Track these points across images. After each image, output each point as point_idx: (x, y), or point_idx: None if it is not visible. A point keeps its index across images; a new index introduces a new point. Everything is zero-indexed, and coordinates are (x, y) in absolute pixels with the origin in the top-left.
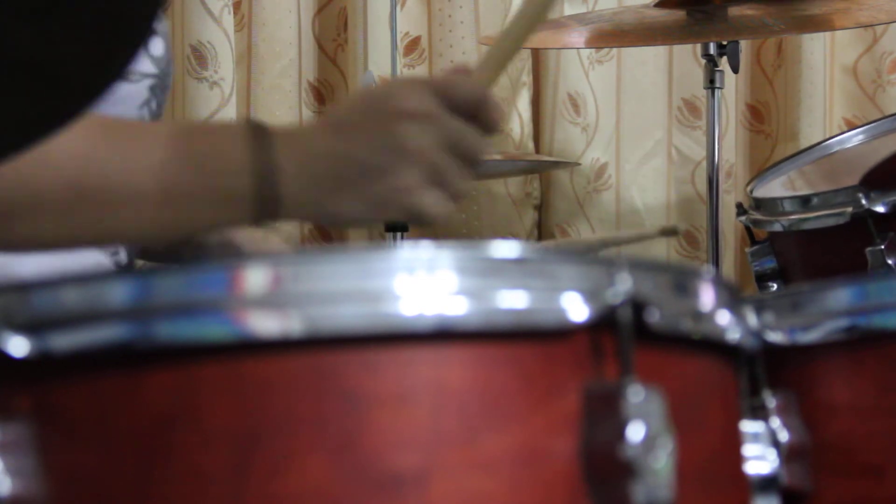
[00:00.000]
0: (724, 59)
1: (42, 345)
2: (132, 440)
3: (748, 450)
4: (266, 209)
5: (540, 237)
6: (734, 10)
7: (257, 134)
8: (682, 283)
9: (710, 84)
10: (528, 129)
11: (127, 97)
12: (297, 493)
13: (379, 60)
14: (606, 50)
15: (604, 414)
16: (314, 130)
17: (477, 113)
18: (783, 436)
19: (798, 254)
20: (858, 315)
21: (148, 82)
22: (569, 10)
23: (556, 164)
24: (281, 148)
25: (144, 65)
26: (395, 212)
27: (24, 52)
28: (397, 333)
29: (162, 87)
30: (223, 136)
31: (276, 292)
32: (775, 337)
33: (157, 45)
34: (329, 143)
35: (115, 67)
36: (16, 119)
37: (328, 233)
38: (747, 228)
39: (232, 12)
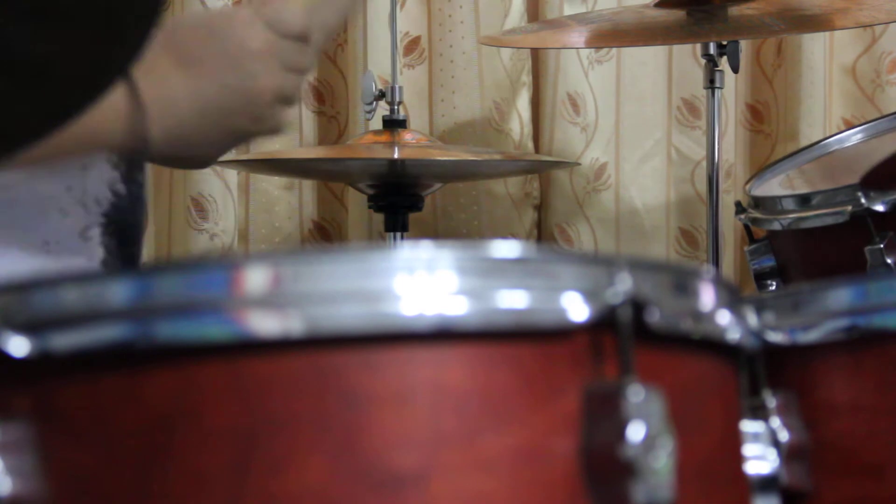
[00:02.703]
0: (724, 59)
1: (42, 345)
2: (132, 440)
3: (748, 450)
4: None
5: (539, 237)
6: (734, 10)
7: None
8: (682, 282)
9: (710, 84)
10: (528, 128)
11: None
12: (297, 493)
13: (379, 60)
14: (606, 50)
15: (604, 414)
16: (168, 70)
17: (300, 35)
18: (783, 436)
19: (797, 253)
20: (858, 315)
21: None
22: (569, 10)
23: (556, 164)
24: (147, 96)
25: None
26: (251, 137)
27: (24, 52)
28: (397, 333)
29: None
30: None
31: (276, 292)
32: (775, 337)
33: None
34: (184, 83)
35: (115, 67)
36: (16, 119)
37: (328, 233)
38: (746, 227)
39: None
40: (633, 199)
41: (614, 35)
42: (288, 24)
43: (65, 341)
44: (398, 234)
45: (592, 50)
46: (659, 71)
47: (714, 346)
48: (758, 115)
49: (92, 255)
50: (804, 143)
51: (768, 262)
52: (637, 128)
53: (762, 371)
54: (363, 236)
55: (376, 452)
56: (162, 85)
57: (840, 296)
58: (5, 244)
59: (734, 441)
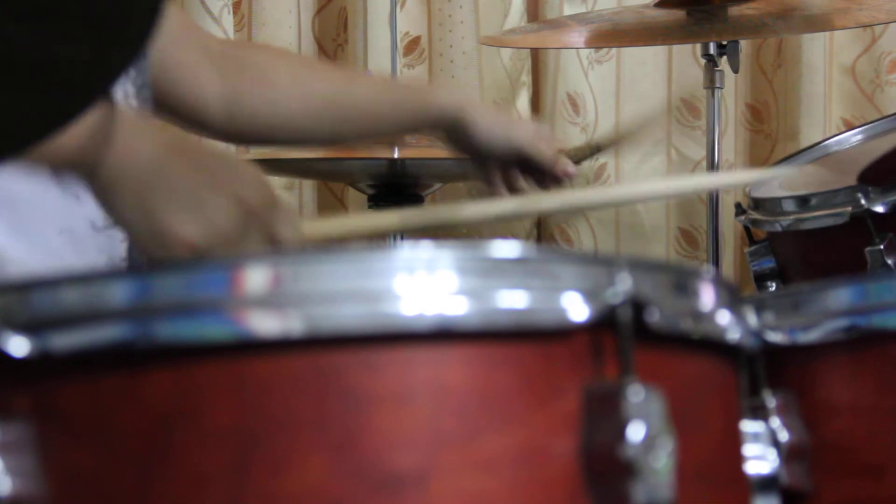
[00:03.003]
0: (724, 59)
1: (42, 345)
2: (132, 440)
3: (748, 450)
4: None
5: (539, 237)
6: (734, 10)
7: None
8: (682, 282)
9: (710, 84)
10: None
11: None
12: (297, 493)
13: (379, 60)
14: (606, 50)
15: (604, 414)
16: (165, 145)
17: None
18: (783, 436)
19: (797, 254)
20: (858, 315)
21: None
22: (568, 10)
23: None
24: (124, 132)
25: None
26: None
27: (24, 52)
28: (397, 333)
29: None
30: None
31: (276, 292)
32: (775, 337)
33: None
34: (168, 159)
35: (115, 67)
36: (16, 119)
37: None
38: (746, 228)
39: (232, 12)
40: None
41: (614, 35)
42: (278, 206)
43: (65, 341)
44: (398, 234)
45: (592, 50)
46: (658, 71)
47: (714, 346)
48: (758, 115)
49: (111, 248)
50: (804, 143)
51: (768, 264)
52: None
53: (762, 371)
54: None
55: (376, 452)
56: (144, 144)
57: (840, 296)
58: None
59: (734, 441)
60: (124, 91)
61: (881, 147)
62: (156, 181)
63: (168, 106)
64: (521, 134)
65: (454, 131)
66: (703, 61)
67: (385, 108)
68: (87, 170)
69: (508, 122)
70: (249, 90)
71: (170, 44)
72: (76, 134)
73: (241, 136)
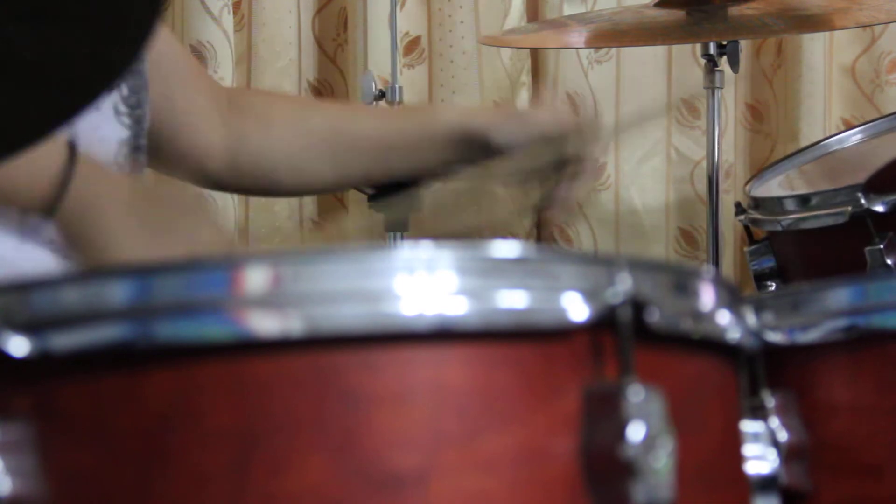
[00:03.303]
0: (724, 59)
1: (42, 345)
2: (132, 440)
3: (748, 450)
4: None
5: (539, 237)
6: (734, 10)
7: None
8: (682, 282)
9: (710, 84)
10: None
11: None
12: (297, 493)
13: (379, 60)
14: (606, 50)
15: (604, 414)
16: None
17: None
18: (783, 436)
19: (797, 253)
20: (858, 315)
21: None
22: (568, 10)
23: None
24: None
25: None
26: None
27: (24, 52)
28: (397, 333)
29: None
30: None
31: (276, 292)
32: (775, 337)
33: None
34: (137, 239)
35: (115, 67)
36: (16, 119)
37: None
38: (746, 228)
39: (231, 12)
40: (633, 199)
41: (614, 35)
42: None
43: (65, 341)
44: (398, 235)
45: (592, 50)
46: (658, 71)
47: (714, 346)
48: (757, 115)
49: None
50: (804, 143)
51: (768, 263)
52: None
53: (762, 371)
54: (363, 236)
55: (376, 452)
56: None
57: (839, 296)
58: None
59: (734, 441)
60: (115, 109)
61: (881, 146)
62: (113, 223)
63: (170, 153)
64: (536, 119)
65: (468, 144)
66: (703, 61)
67: (391, 135)
68: (46, 213)
69: (518, 115)
70: (251, 133)
71: (179, 88)
72: (39, 182)
73: (243, 182)
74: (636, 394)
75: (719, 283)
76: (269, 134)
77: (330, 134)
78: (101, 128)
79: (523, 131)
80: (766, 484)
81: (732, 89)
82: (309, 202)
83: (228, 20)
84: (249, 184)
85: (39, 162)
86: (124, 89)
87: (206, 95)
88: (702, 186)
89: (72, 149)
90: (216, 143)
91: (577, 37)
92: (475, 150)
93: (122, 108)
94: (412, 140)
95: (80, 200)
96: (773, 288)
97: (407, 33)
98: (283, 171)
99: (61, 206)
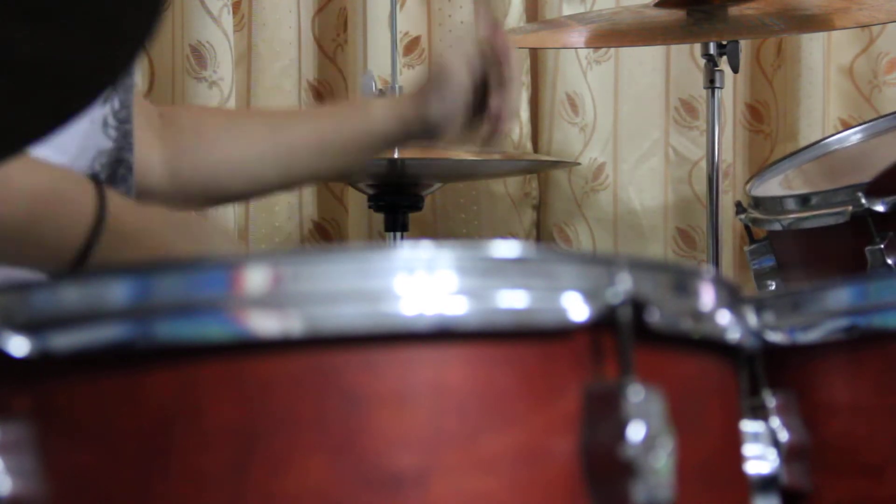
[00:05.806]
0: (724, 58)
1: (42, 345)
2: (132, 440)
3: (748, 449)
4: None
5: (538, 237)
6: (734, 10)
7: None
8: (682, 282)
9: (710, 84)
10: (527, 129)
11: None
12: (297, 493)
13: (379, 60)
14: (604, 50)
15: (604, 414)
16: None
17: None
18: (783, 435)
19: (797, 253)
20: (858, 315)
21: None
22: (567, 10)
23: (555, 164)
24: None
25: None
26: None
27: (24, 52)
28: (397, 333)
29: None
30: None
31: (276, 292)
32: (775, 337)
33: None
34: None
35: (115, 67)
36: (16, 119)
37: (328, 233)
38: (746, 227)
39: (231, 12)
40: (631, 199)
41: (613, 35)
42: None
43: (65, 341)
44: (398, 234)
45: (591, 50)
46: (657, 71)
47: (714, 346)
48: (757, 115)
49: None
50: (804, 143)
51: (768, 262)
52: (635, 128)
53: (762, 371)
54: (363, 236)
55: (376, 452)
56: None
57: (840, 296)
58: None
59: (734, 441)
60: (104, 121)
61: (881, 146)
62: (149, 256)
63: None
64: (455, 78)
65: (405, 134)
66: (700, 61)
67: (328, 136)
68: (80, 259)
69: (439, 82)
70: (187, 147)
71: None
72: (72, 229)
73: (190, 192)
74: (636, 394)
75: (719, 282)
76: (203, 144)
77: (265, 138)
78: (87, 136)
79: (452, 96)
80: (767, 484)
81: (732, 89)
82: (309, 202)
83: (228, 20)
84: (196, 193)
85: (70, 207)
86: (115, 102)
87: (142, 114)
88: (700, 187)
89: (98, 186)
90: (154, 159)
91: (577, 37)
92: (415, 133)
93: (111, 122)
94: (349, 139)
95: (117, 234)
96: (773, 287)
97: (407, 33)
98: (224, 178)
99: (97, 246)
